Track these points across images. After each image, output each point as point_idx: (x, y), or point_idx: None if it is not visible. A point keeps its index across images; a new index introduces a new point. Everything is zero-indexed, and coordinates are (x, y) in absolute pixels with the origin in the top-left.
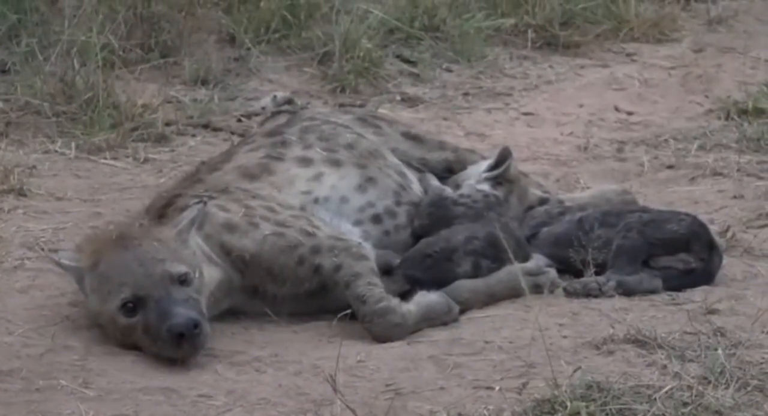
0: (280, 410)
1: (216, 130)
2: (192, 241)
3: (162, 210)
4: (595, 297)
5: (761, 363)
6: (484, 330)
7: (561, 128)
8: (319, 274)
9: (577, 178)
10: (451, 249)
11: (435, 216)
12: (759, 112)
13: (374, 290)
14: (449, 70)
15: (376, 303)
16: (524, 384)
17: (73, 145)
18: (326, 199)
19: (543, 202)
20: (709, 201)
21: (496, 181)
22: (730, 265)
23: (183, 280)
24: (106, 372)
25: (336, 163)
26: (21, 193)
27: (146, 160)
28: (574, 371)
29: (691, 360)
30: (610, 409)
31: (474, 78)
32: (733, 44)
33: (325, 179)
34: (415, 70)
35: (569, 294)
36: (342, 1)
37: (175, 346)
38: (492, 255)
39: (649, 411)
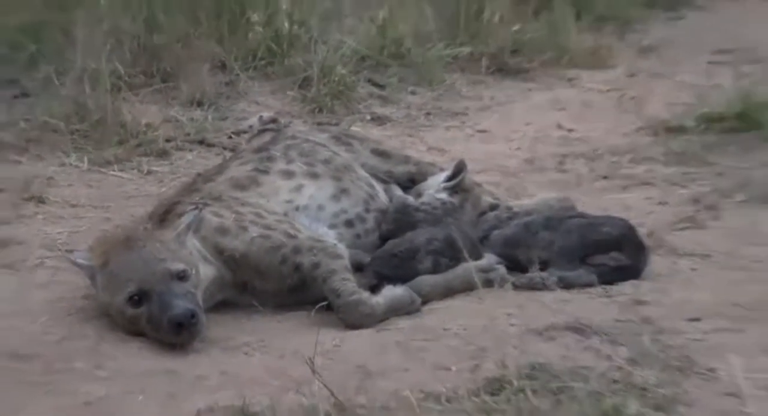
0: (266, 388)
1: (210, 145)
2: (189, 243)
3: (163, 216)
4: (539, 290)
5: (681, 347)
6: (443, 319)
7: (510, 144)
8: (299, 271)
9: (524, 187)
10: (414, 249)
11: (400, 221)
12: (683, 130)
13: (347, 284)
14: (413, 93)
15: (349, 295)
16: (477, 366)
17: (85, 158)
18: (306, 207)
19: (494, 208)
20: (639, 207)
21: (453, 190)
22: (656, 263)
23: (181, 276)
24: (116, 356)
25: (314, 176)
26: (40, 201)
27: (149, 172)
28: (520, 354)
29: (621, 345)
30: (551, 387)
31: (435, 100)
32: (661, 70)
33: (305, 190)
34: (383, 93)
35: (517, 287)
36: (319, 32)
37: (175, 334)
38: (450, 255)
39: (584, 388)
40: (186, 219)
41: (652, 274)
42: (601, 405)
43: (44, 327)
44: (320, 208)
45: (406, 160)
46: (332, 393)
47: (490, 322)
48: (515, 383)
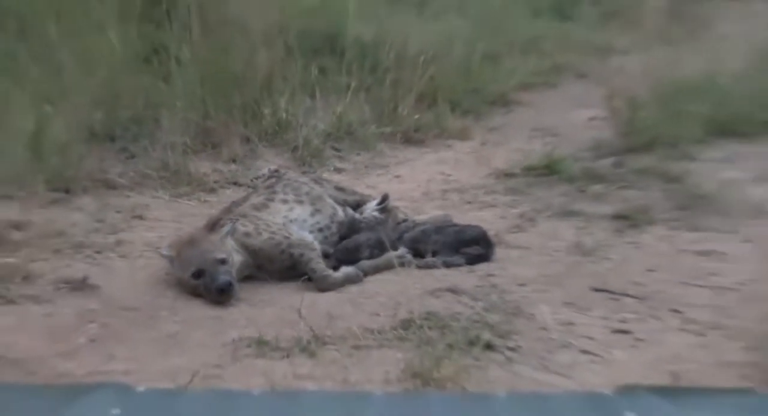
0: (273, 327)
1: (240, 185)
2: (228, 242)
3: (212, 226)
4: (431, 269)
5: (514, 301)
6: (376, 286)
7: (414, 183)
8: (292, 258)
9: (422, 209)
10: (359, 245)
11: (350, 228)
12: (514, 175)
13: (320, 266)
14: (358, 155)
15: (321, 272)
16: (395, 313)
17: (167, 194)
18: (295, 220)
19: (404, 220)
20: (489, 220)
21: (381, 210)
22: (499, 252)
23: (223, 262)
24: (185, 309)
25: (300, 202)
26: (141, 218)
27: (204, 201)
28: (420, 306)
29: (479, 300)
30: (439, 325)
31: (370, 159)
32: (502, 141)
33: (295, 210)
34: (341, 155)
35: (419, 267)
36: (303, 119)
37: (220, 296)
38: (379, 248)
39: (458, 325)
40: (226, 228)
41: (497, 259)
42: (468, 334)
43: (144, 291)
44: (304, 221)
45: (354, 192)
46: (311, 329)
47: (403, 288)
48: (417, 322)
